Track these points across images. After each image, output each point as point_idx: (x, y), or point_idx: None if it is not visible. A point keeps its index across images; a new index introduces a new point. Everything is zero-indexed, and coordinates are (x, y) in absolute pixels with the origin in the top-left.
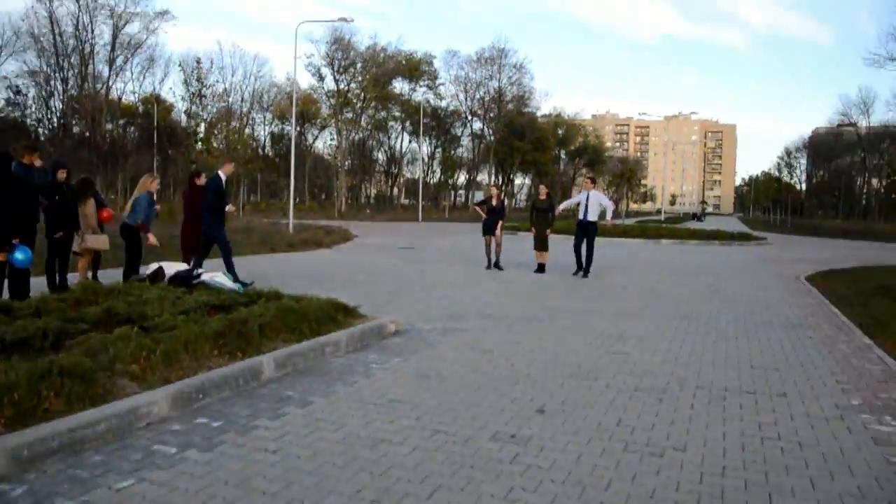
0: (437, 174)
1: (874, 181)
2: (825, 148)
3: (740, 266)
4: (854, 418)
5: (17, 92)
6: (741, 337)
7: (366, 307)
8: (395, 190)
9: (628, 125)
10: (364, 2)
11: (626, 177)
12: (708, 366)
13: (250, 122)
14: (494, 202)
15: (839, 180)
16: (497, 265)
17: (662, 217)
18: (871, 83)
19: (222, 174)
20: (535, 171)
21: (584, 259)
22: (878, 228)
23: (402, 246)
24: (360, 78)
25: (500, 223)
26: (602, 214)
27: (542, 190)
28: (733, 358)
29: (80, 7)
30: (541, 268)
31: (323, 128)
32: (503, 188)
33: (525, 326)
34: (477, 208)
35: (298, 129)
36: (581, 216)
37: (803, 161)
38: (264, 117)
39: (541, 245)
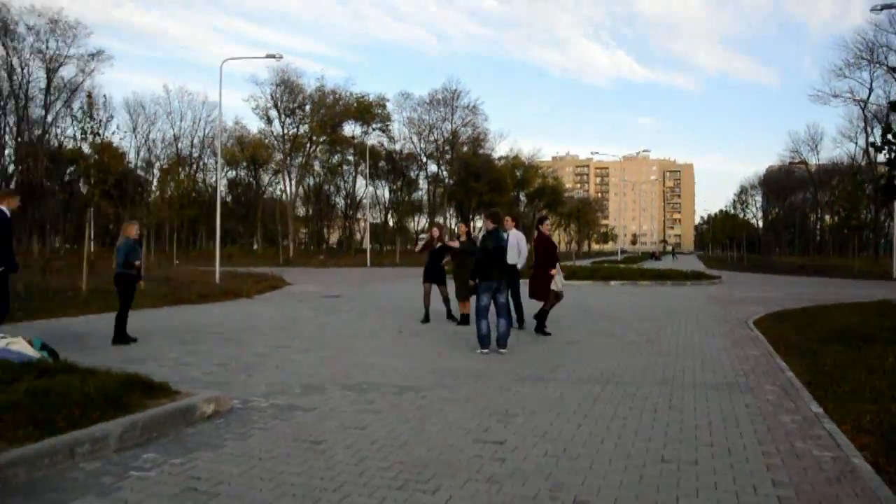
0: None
1: (827, 217)
2: (778, 185)
3: (686, 309)
4: None
5: None
6: (662, 408)
7: (216, 375)
8: (358, 235)
9: (588, 166)
10: (323, 49)
11: (575, 215)
12: (603, 461)
13: (202, 167)
14: (442, 241)
15: (794, 216)
16: (451, 316)
17: (619, 257)
18: (818, 120)
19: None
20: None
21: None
22: (832, 264)
23: (328, 294)
24: (308, 121)
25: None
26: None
27: (462, 229)
28: (642, 444)
29: (7, 51)
30: (464, 319)
31: (276, 172)
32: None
33: (393, 400)
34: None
35: (252, 174)
36: None
37: (759, 198)
38: (215, 162)
39: (465, 293)
